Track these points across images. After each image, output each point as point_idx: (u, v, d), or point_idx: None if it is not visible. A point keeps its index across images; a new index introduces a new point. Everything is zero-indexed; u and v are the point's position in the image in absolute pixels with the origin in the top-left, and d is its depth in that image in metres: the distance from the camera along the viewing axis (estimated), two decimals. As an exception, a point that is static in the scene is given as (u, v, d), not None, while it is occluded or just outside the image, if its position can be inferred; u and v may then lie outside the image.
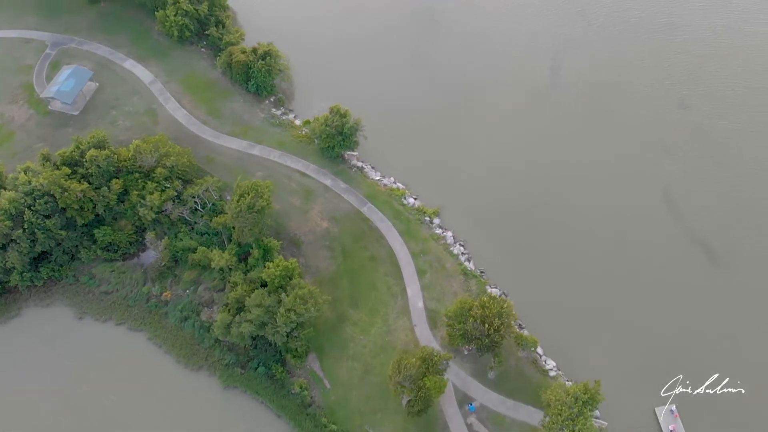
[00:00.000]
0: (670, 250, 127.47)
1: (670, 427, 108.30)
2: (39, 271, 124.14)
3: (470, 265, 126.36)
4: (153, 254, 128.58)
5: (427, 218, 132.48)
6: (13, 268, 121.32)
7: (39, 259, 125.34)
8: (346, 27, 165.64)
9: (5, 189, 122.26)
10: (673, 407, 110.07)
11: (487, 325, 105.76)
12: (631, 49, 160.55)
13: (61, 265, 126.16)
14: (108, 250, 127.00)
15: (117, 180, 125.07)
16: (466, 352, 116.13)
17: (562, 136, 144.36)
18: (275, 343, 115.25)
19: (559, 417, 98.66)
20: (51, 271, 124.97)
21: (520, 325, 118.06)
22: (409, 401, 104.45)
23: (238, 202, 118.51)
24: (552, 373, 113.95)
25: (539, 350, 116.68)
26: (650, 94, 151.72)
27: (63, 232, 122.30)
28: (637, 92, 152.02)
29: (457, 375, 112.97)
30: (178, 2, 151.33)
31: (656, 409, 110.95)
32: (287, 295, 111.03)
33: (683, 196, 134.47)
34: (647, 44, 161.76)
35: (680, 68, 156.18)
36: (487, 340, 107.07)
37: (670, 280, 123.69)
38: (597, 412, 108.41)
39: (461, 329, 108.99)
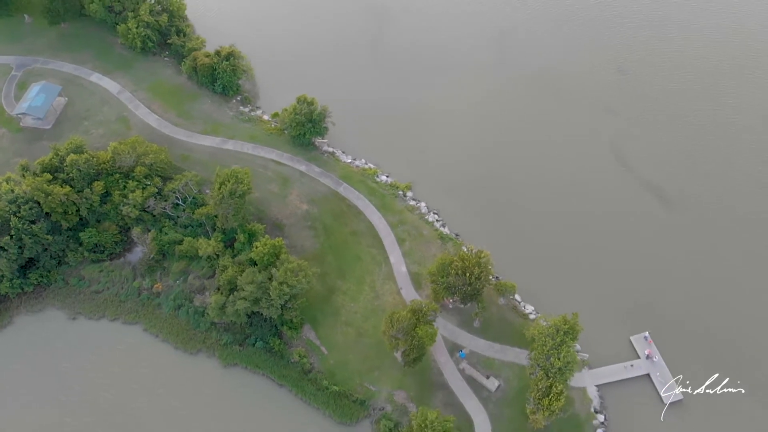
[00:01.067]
0: (625, 197, 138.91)
1: (646, 352, 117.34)
2: (28, 278, 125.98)
3: (446, 230, 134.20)
4: (140, 252, 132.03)
5: (401, 192, 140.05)
6: (2, 276, 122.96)
7: (26, 267, 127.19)
8: (301, 27, 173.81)
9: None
10: (646, 334, 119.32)
11: (468, 275, 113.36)
12: (568, 28, 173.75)
13: (49, 270, 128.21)
14: (95, 252, 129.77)
15: (98, 182, 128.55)
16: (450, 306, 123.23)
17: (514, 109, 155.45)
18: (270, 318, 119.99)
19: (543, 348, 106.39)
20: (40, 277, 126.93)
21: (497, 277, 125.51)
22: (404, 351, 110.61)
23: (219, 189, 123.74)
24: (532, 316, 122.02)
25: (517, 297, 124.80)
26: (591, 64, 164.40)
27: (49, 237, 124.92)
28: (578, 64, 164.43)
29: (444, 327, 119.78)
30: (139, 15, 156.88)
31: (631, 337, 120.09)
32: (278, 270, 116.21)
33: (630, 150, 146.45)
34: (583, 21, 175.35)
35: (616, 39, 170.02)
36: (469, 288, 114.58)
37: (628, 222, 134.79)
38: (578, 346, 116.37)
39: (445, 282, 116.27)
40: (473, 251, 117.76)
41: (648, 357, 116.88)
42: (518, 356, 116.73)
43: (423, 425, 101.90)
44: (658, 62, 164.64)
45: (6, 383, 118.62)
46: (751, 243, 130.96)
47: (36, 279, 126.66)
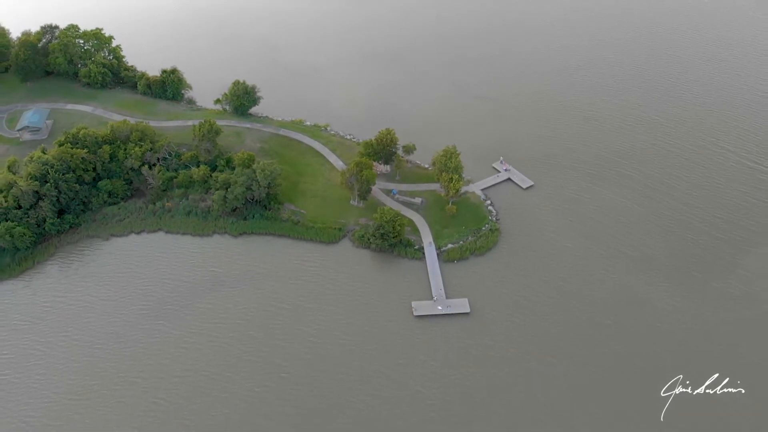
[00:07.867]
0: (467, 102, 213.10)
1: (504, 167, 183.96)
2: (64, 219, 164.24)
3: (360, 139, 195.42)
4: (145, 197, 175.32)
5: (323, 129, 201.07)
6: (45, 218, 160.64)
7: (60, 215, 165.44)
8: (217, 56, 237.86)
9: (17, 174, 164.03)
10: (501, 158, 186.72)
11: (384, 141, 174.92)
12: (401, 23, 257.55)
13: (78, 215, 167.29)
14: (111, 196, 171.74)
15: (106, 146, 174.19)
16: (378, 173, 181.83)
17: (381, 78, 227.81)
18: (260, 201, 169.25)
19: (441, 162, 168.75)
20: (72, 219, 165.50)
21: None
22: (357, 190, 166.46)
23: (199, 130, 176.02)
24: (429, 168, 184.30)
25: (417, 161, 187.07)
26: (413, 29, 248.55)
27: (77, 186, 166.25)
28: (420, 42, 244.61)
29: (378, 184, 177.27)
30: (95, 60, 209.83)
31: (493, 164, 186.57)
32: (257, 165, 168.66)
33: (461, 72, 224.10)
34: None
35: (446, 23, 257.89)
36: (387, 149, 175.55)
37: (474, 112, 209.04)
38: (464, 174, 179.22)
39: (369, 152, 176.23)
40: (383, 131, 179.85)
41: (506, 170, 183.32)
42: (428, 187, 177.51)
43: (382, 215, 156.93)
44: (466, 32, 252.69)
45: (66, 296, 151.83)
46: (540, 99, 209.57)
47: (70, 221, 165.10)
